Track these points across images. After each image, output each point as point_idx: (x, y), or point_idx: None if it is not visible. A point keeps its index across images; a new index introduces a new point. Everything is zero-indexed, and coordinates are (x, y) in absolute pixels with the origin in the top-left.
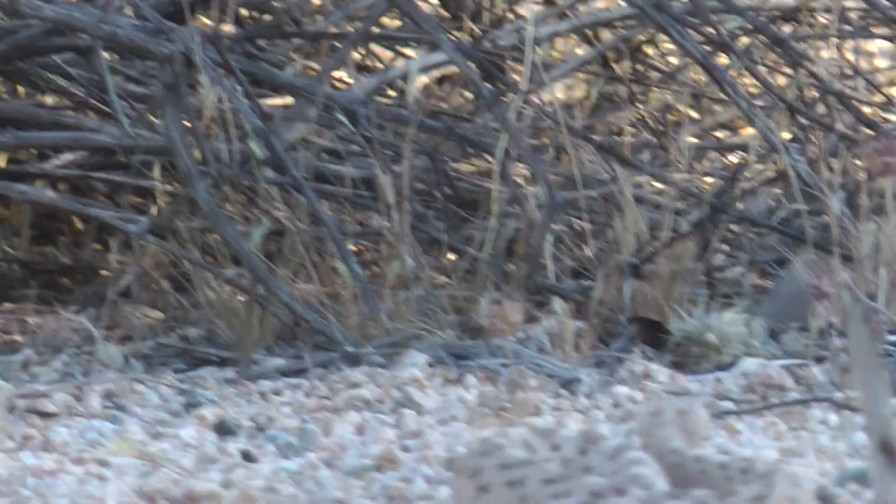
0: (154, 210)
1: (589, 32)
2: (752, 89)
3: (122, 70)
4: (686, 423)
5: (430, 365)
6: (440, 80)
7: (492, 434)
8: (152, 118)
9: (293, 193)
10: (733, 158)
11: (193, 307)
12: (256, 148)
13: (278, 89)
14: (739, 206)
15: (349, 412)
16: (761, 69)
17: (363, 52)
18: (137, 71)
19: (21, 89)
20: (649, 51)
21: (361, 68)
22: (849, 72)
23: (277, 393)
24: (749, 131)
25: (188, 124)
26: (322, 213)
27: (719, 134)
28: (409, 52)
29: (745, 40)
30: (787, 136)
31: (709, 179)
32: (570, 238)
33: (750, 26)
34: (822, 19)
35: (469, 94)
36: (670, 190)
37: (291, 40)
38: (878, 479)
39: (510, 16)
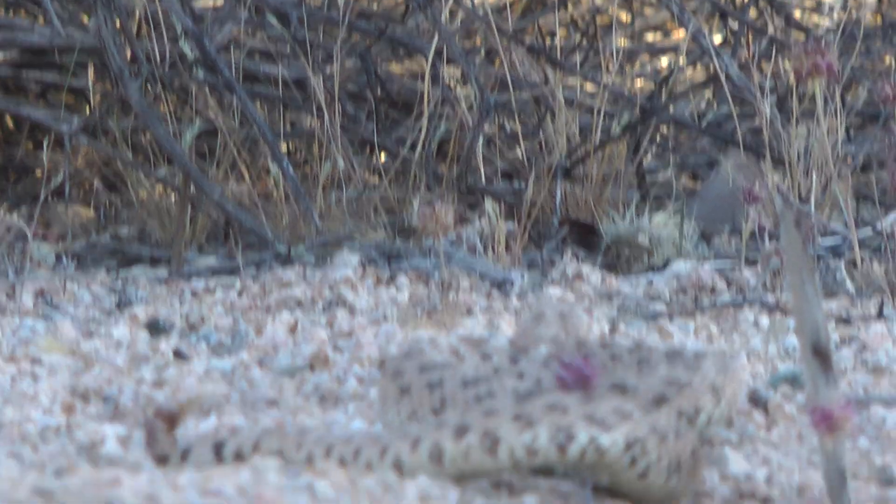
0: (87, 110)
1: None
2: None
3: None
4: (567, 326)
5: (362, 265)
6: None
7: (423, 337)
8: (84, 18)
9: (225, 94)
10: (664, 61)
11: (125, 206)
12: (187, 48)
13: None
14: (670, 109)
15: (281, 312)
16: None
17: None
18: None
19: None
20: None
21: None
22: None
23: (209, 292)
24: (680, 34)
25: (119, 24)
26: (254, 114)
27: (650, 37)
28: None
29: None
30: (718, 39)
31: (640, 82)
32: (501, 140)
33: None
34: None
35: None
36: (601, 92)
37: None
38: (809, 382)
39: None
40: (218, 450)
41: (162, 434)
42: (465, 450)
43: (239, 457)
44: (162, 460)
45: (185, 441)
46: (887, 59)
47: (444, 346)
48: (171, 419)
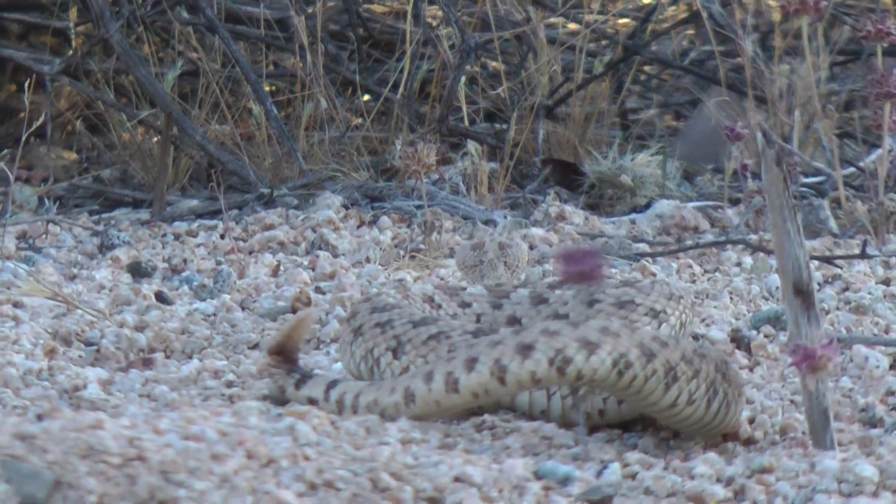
0: (69, 51)
1: None
2: None
3: None
4: (506, 256)
5: (345, 206)
6: None
7: (403, 282)
8: None
9: (207, 35)
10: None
11: (107, 148)
12: None
13: None
14: (653, 47)
15: (264, 254)
16: None
17: None
18: None
19: None
20: None
21: None
22: None
23: (192, 234)
24: None
25: None
26: (236, 54)
27: None
28: None
29: None
30: None
31: (622, 21)
32: (483, 79)
33: None
34: None
35: None
36: (584, 31)
37: None
38: (791, 321)
39: None
40: (329, 388)
41: (280, 365)
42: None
43: (340, 403)
44: (281, 390)
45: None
46: None
47: (416, 293)
48: (288, 350)
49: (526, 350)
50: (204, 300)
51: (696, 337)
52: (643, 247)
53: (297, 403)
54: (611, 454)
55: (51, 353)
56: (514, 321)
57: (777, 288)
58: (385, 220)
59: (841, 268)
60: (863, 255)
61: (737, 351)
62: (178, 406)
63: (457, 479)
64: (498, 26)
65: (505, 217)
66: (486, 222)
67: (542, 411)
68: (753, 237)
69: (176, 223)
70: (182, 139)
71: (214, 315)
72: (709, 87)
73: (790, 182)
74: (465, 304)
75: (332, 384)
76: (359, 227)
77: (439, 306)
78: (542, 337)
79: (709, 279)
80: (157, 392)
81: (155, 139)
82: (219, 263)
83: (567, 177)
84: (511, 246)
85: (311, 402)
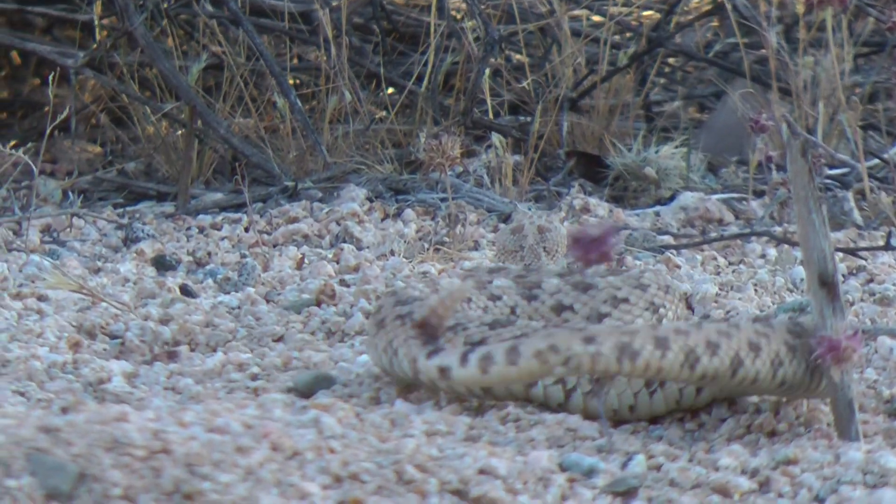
0: (93, 45)
1: None
2: None
3: None
4: (545, 241)
5: (369, 199)
6: None
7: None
8: None
9: (231, 28)
10: None
11: (132, 141)
12: None
13: None
14: (677, 39)
15: (288, 247)
16: None
17: None
18: None
19: None
20: None
21: None
22: None
23: (216, 227)
24: None
25: None
26: (261, 47)
27: None
28: None
29: None
30: None
31: (647, 13)
32: (507, 72)
33: None
34: None
35: None
36: (608, 23)
37: None
38: (816, 313)
39: None
40: (465, 354)
41: (421, 337)
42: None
43: (486, 362)
44: (412, 362)
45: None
46: None
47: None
48: (434, 324)
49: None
50: (228, 293)
51: None
52: (667, 239)
53: (425, 375)
54: (636, 446)
55: (75, 346)
56: (562, 309)
57: (802, 280)
58: (409, 212)
59: (865, 259)
60: (887, 247)
61: None
62: (202, 399)
63: (481, 472)
64: (522, 18)
65: (529, 209)
66: (510, 215)
67: (559, 404)
68: (778, 229)
69: (200, 216)
70: (206, 132)
71: (239, 308)
72: (733, 78)
73: (815, 174)
74: (495, 297)
75: (471, 349)
76: (383, 219)
77: (469, 300)
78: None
79: (733, 271)
80: (182, 385)
81: (179, 132)
82: (243, 256)
83: (591, 169)
84: (550, 230)
85: (442, 371)
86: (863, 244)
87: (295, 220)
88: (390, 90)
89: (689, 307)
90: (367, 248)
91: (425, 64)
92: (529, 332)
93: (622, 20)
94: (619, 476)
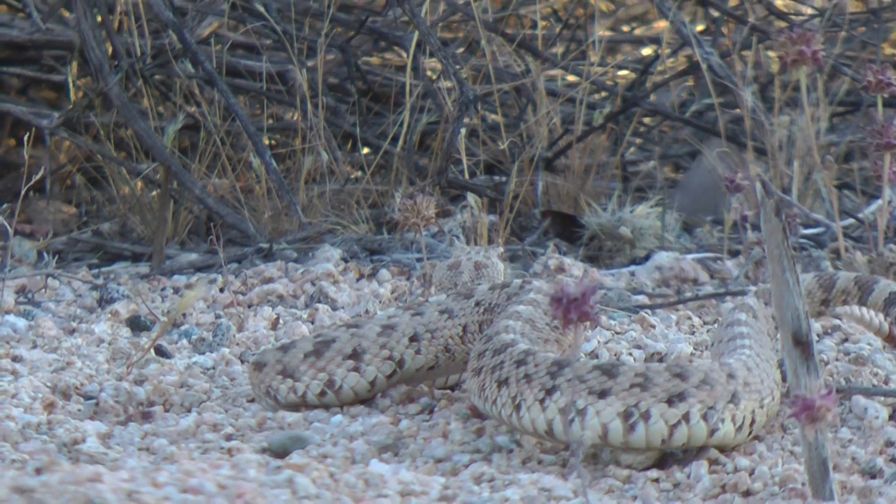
0: (69, 105)
1: None
2: None
3: None
4: (482, 276)
5: (344, 259)
6: None
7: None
8: (64, 12)
9: (207, 88)
10: (646, 51)
11: (107, 202)
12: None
13: None
14: (652, 98)
15: (263, 307)
16: None
17: None
18: None
19: None
20: None
21: None
22: None
23: (191, 288)
24: (661, 24)
25: (99, 18)
26: (236, 108)
27: (631, 27)
28: None
29: None
30: (699, 28)
31: (622, 72)
32: (483, 132)
33: None
34: None
35: None
36: (583, 83)
37: None
38: (791, 371)
39: None
40: None
41: None
42: None
43: None
44: None
45: None
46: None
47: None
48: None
49: None
50: (203, 353)
51: None
52: (643, 298)
53: None
54: None
55: (50, 406)
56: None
57: (776, 339)
58: (384, 272)
59: (840, 318)
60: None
61: None
62: (176, 459)
63: None
64: (497, 78)
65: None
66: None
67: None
68: (753, 288)
69: (175, 276)
70: (181, 193)
71: (213, 368)
72: (708, 138)
73: (789, 233)
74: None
75: None
76: (358, 279)
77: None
78: None
79: (708, 331)
80: (156, 445)
81: (154, 193)
82: (218, 317)
83: (566, 229)
84: (487, 266)
85: None
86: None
87: (270, 280)
88: (366, 150)
89: None
90: (342, 308)
91: (401, 124)
92: None
93: (597, 80)
94: None
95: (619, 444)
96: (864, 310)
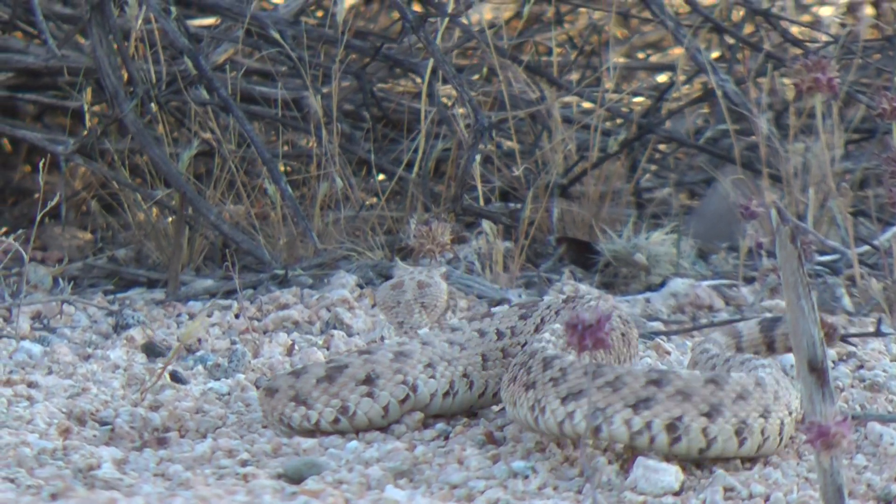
0: (84, 132)
1: None
2: (679, 9)
3: None
4: (424, 296)
5: (359, 286)
6: (367, 1)
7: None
8: (79, 39)
9: (222, 115)
10: (661, 78)
11: (122, 228)
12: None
13: (205, 10)
14: (667, 125)
15: (278, 333)
16: None
17: None
18: None
19: None
20: None
21: None
22: None
23: (207, 314)
24: (677, 51)
25: (115, 45)
26: (251, 134)
27: (647, 54)
28: None
29: None
30: (714, 55)
31: (637, 99)
32: (498, 158)
33: None
34: None
35: (397, 15)
36: (598, 110)
37: None
38: (806, 398)
39: None
40: None
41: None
42: None
43: None
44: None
45: None
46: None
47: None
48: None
49: None
50: (218, 379)
51: None
52: (658, 325)
53: None
54: None
55: (65, 432)
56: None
57: (791, 366)
58: None
59: (855, 346)
60: (877, 333)
61: None
62: (192, 485)
63: None
64: (512, 105)
65: (519, 296)
66: (500, 301)
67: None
68: (768, 315)
69: (190, 303)
70: (196, 219)
71: (229, 394)
72: (723, 165)
73: (804, 260)
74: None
75: None
76: (373, 306)
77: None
78: None
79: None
80: (172, 471)
81: (169, 219)
82: (233, 343)
83: (582, 255)
84: (430, 285)
85: None
86: (853, 330)
87: (285, 306)
88: (381, 177)
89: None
90: (358, 334)
91: (416, 151)
92: None
93: (612, 107)
94: None
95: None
96: None
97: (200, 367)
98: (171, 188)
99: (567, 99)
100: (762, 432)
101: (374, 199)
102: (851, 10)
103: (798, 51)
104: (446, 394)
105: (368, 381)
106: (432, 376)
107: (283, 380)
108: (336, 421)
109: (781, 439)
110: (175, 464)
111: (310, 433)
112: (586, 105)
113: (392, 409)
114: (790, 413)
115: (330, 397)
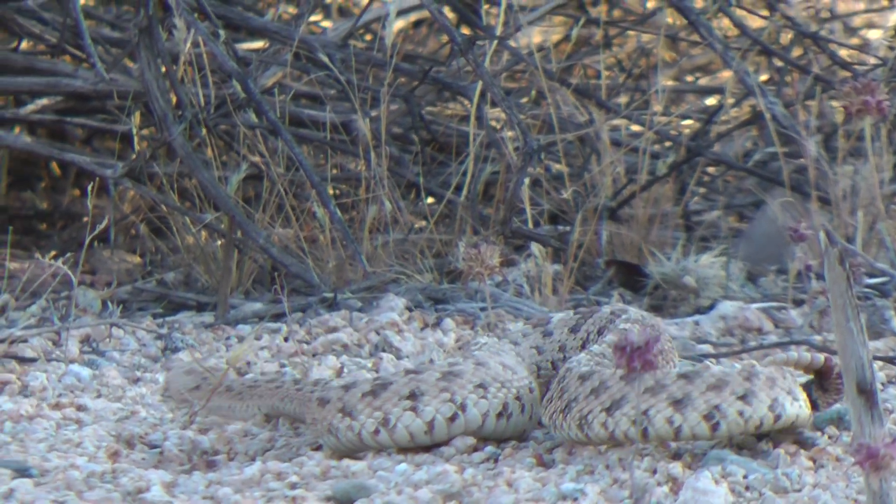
0: (132, 155)
1: None
2: (728, 32)
3: (96, 14)
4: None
5: (408, 309)
6: (416, 24)
7: None
8: (127, 62)
9: (270, 138)
10: (710, 101)
11: (171, 252)
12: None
13: (253, 33)
14: (716, 148)
15: (327, 356)
16: (737, 11)
17: None
18: (112, 15)
19: None
20: None
21: (342, 12)
22: (825, 14)
23: (255, 337)
24: (725, 74)
25: (163, 68)
26: (300, 157)
27: (695, 76)
28: None
29: None
30: (763, 78)
31: (686, 122)
32: (547, 181)
33: None
34: None
35: (445, 38)
36: (647, 133)
37: None
38: (855, 420)
39: None
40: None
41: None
42: None
43: None
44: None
45: None
46: None
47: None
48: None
49: None
50: None
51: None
52: (706, 348)
53: None
54: None
55: (114, 455)
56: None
57: None
58: (448, 322)
59: None
60: None
61: (801, 451)
62: None
63: None
64: (561, 128)
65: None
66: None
67: None
68: (817, 338)
69: (239, 326)
70: (245, 243)
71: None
72: (772, 188)
73: (853, 282)
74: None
75: None
76: (422, 329)
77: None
78: None
79: None
80: (220, 494)
81: (218, 242)
82: (282, 366)
83: (630, 278)
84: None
85: None
86: None
87: (334, 329)
88: (430, 200)
89: None
90: (407, 357)
91: (464, 174)
92: None
93: (661, 130)
94: None
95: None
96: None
97: None
98: (220, 212)
99: (616, 122)
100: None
101: (423, 222)
102: None
103: (847, 73)
104: (499, 415)
105: (412, 397)
106: (483, 397)
107: (333, 391)
108: (376, 432)
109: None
110: (224, 487)
111: (356, 447)
112: (635, 128)
113: (438, 427)
114: None
115: (373, 410)
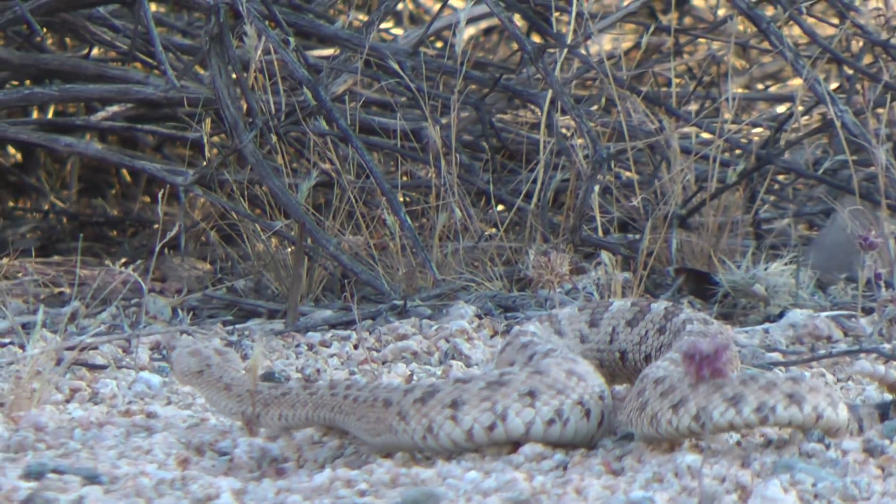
0: (203, 163)
1: None
2: (798, 40)
3: (167, 21)
4: (222, 362)
5: (478, 316)
6: (487, 31)
7: None
8: (198, 70)
9: (341, 145)
10: (780, 109)
11: (241, 259)
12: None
13: (324, 41)
14: (786, 156)
15: (397, 364)
16: (808, 19)
17: (412, 2)
18: (183, 22)
19: (67, 42)
20: (696, 1)
21: (413, 19)
22: None
23: (325, 345)
24: (796, 82)
25: (234, 76)
26: (370, 165)
27: (766, 84)
28: (456, 2)
29: None
30: (833, 86)
31: (756, 130)
32: (617, 189)
33: None
34: None
35: (516, 46)
36: (717, 140)
37: None
38: None
39: None
40: None
41: None
42: None
43: None
44: None
45: None
46: None
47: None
48: None
49: None
50: None
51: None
52: (776, 356)
53: None
54: None
55: (184, 462)
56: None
57: None
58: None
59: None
60: None
61: (870, 459)
62: None
63: None
64: (631, 136)
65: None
66: None
67: None
68: (887, 346)
69: (309, 333)
70: (315, 250)
71: None
72: (842, 196)
73: None
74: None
75: None
76: (492, 337)
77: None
78: None
79: (841, 388)
80: (290, 501)
81: (289, 250)
82: (352, 373)
83: (700, 286)
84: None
85: None
86: None
87: (404, 337)
88: (500, 207)
89: None
90: (476, 365)
91: (534, 181)
92: None
93: (731, 138)
94: None
95: None
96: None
97: None
98: (291, 219)
99: (686, 129)
100: None
101: (493, 230)
102: None
103: None
104: (551, 422)
105: (454, 405)
106: (531, 405)
107: (396, 394)
108: (424, 438)
109: None
110: (293, 494)
111: (429, 462)
112: (705, 136)
113: (477, 436)
114: None
115: (421, 416)
